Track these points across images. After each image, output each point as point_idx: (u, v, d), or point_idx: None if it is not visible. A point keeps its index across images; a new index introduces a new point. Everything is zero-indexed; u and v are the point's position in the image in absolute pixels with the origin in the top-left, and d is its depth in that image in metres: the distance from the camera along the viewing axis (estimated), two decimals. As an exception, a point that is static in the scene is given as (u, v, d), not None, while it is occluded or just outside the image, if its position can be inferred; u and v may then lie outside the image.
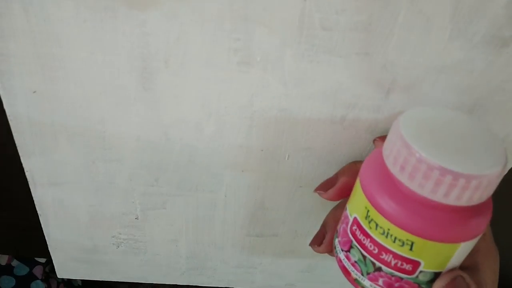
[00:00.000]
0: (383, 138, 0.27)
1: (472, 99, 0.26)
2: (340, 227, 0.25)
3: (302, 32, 0.23)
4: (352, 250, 0.24)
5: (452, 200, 0.20)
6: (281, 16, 0.23)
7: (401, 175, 0.20)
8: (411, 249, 0.21)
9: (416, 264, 0.22)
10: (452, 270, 0.23)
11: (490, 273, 0.25)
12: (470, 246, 0.22)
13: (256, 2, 0.22)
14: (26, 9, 0.23)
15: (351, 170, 0.28)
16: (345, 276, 0.26)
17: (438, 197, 0.20)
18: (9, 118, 0.28)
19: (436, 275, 0.22)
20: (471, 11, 0.22)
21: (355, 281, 0.25)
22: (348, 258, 0.25)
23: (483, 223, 0.21)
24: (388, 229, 0.22)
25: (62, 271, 0.41)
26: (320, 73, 0.25)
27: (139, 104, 0.27)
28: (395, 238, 0.21)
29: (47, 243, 0.38)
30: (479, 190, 0.19)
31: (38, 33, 0.24)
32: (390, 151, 0.21)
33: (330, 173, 0.30)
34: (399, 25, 0.23)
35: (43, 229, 0.36)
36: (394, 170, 0.21)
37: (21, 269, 0.76)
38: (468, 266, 0.24)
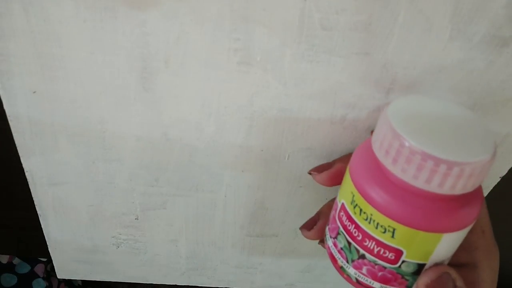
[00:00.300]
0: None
1: (472, 99, 0.26)
2: (331, 215, 0.25)
3: (302, 32, 0.23)
4: (338, 237, 0.24)
5: (433, 187, 0.20)
6: (281, 16, 0.23)
7: (386, 160, 0.21)
8: (393, 236, 0.21)
9: (398, 252, 0.22)
10: (438, 265, 0.22)
11: (489, 272, 0.24)
12: (455, 238, 0.21)
13: (256, 2, 0.22)
14: (26, 9, 0.23)
15: (349, 158, 0.28)
16: (333, 264, 0.26)
17: (420, 183, 0.20)
18: (9, 118, 0.28)
19: (420, 267, 0.22)
20: (471, 11, 0.22)
21: (340, 269, 0.25)
22: (335, 245, 0.25)
23: (469, 215, 0.21)
24: (371, 214, 0.22)
25: (62, 272, 0.41)
26: (320, 73, 0.25)
27: (139, 104, 0.27)
28: (377, 224, 0.22)
29: (47, 243, 0.37)
30: (462, 178, 0.19)
31: (38, 33, 0.24)
32: (377, 136, 0.21)
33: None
34: (399, 25, 0.23)
35: (43, 229, 0.36)
36: (380, 154, 0.21)
37: (23, 267, 0.77)
38: (466, 263, 0.24)
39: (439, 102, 0.22)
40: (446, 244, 0.21)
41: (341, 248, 0.24)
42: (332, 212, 0.25)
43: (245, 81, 0.26)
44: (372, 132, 0.27)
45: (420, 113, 0.21)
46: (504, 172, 0.30)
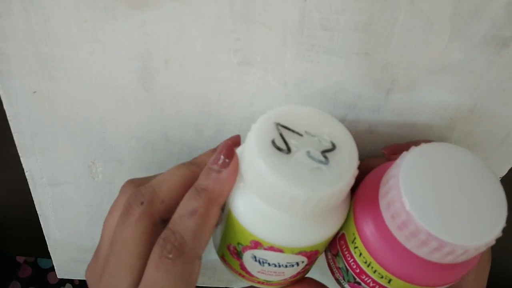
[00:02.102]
0: (390, 149, 0.26)
1: (472, 99, 0.26)
2: None
3: (302, 32, 0.23)
4: (337, 258, 0.24)
5: (434, 259, 0.20)
6: (281, 16, 0.23)
7: (391, 223, 0.20)
8: (389, 282, 0.22)
9: None
10: None
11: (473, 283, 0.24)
12: (447, 286, 0.22)
13: (256, 2, 0.22)
14: (26, 9, 0.23)
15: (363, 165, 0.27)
16: (330, 272, 0.26)
17: (422, 254, 0.20)
18: (9, 118, 0.28)
19: None
20: (472, 11, 0.22)
21: (337, 281, 0.25)
22: (334, 261, 0.25)
23: (463, 271, 0.21)
24: (370, 262, 0.22)
25: (62, 271, 0.41)
26: (320, 73, 0.25)
27: (139, 104, 0.27)
28: (376, 270, 0.22)
29: (47, 243, 0.37)
30: (465, 255, 0.19)
31: (38, 33, 0.24)
32: (385, 194, 0.20)
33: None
34: (399, 25, 0.23)
35: (43, 229, 0.36)
36: (386, 215, 0.20)
37: None
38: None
39: (456, 156, 0.21)
40: None
41: (339, 268, 0.24)
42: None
43: (245, 81, 0.26)
44: (384, 152, 0.26)
45: (434, 174, 0.20)
46: (504, 172, 0.30)
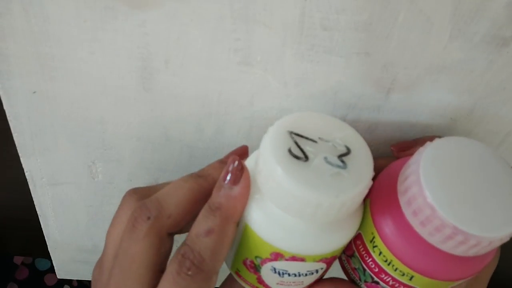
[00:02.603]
0: (399, 146, 0.26)
1: (472, 99, 0.26)
2: None
3: (302, 32, 0.23)
4: (353, 258, 0.24)
5: (458, 253, 0.19)
6: (281, 16, 0.23)
7: (413, 219, 0.20)
8: (410, 279, 0.22)
9: None
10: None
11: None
12: (468, 279, 0.22)
13: (256, 2, 0.22)
14: (26, 9, 0.23)
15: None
16: (344, 273, 0.26)
17: (446, 248, 0.20)
18: (8, 118, 0.28)
19: None
20: (472, 11, 0.22)
21: (352, 281, 0.25)
22: (349, 262, 0.25)
23: (484, 263, 0.21)
24: (391, 260, 0.21)
25: (62, 272, 0.41)
26: (320, 73, 0.25)
27: (139, 104, 0.27)
28: (397, 268, 0.21)
29: (47, 243, 0.37)
30: (489, 247, 0.19)
31: (38, 33, 0.24)
32: (405, 191, 0.20)
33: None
34: (399, 25, 0.23)
35: (43, 229, 0.36)
36: (407, 211, 0.20)
37: None
38: None
39: (472, 150, 0.21)
40: (460, 283, 0.22)
41: (355, 268, 0.24)
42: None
43: (246, 81, 0.26)
44: (393, 149, 0.26)
45: (452, 169, 0.20)
46: None
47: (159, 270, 0.22)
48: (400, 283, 0.22)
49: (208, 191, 0.23)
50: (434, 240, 0.20)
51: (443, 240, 0.19)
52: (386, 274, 0.22)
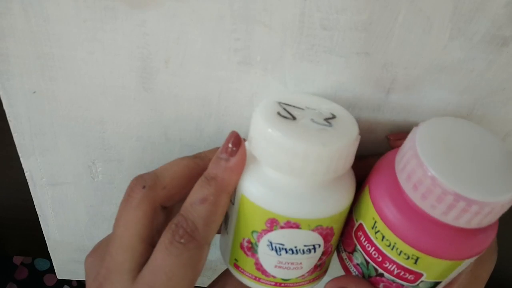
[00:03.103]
0: (396, 136, 0.27)
1: (472, 99, 0.26)
2: (344, 229, 0.25)
3: (302, 32, 0.23)
4: (355, 253, 0.24)
5: (461, 223, 0.20)
6: (281, 16, 0.23)
7: (414, 194, 0.20)
8: (415, 262, 0.22)
9: (418, 275, 0.22)
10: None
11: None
12: (473, 259, 0.22)
13: (256, 2, 0.22)
14: (26, 9, 0.23)
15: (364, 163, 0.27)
16: (345, 272, 0.26)
17: (449, 219, 0.20)
18: (8, 118, 0.28)
19: (436, 284, 0.23)
20: (471, 11, 0.22)
21: None
22: (350, 259, 0.25)
23: (488, 240, 0.21)
24: (395, 243, 0.22)
25: (62, 272, 0.41)
26: (320, 73, 0.25)
27: (139, 104, 0.27)
28: (401, 251, 0.21)
29: (47, 243, 0.37)
30: (491, 215, 0.19)
31: (37, 33, 0.24)
32: (404, 167, 0.21)
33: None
34: (399, 25, 0.23)
35: (43, 229, 0.36)
36: (407, 187, 0.20)
37: None
38: None
39: (465, 127, 0.22)
40: (465, 265, 0.22)
41: (357, 264, 0.24)
42: (346, 227, 0.25)
43: (245, 81, 0.26)
44: (389, 138, 0.27)
45: (448, 142, 0.21)
46: None
47: (151, 244, 0.22)
48: (406, 269, 0.22)
49: (204, 170, 0.23)
50: (437, 212, 0.20)
51: (445, 210, 0.19)
52: (391, 261, 0.22)
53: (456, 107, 0.26)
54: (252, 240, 0.23)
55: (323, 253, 0.24)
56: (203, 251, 0.22)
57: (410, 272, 0.22)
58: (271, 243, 0.23)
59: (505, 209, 0.19)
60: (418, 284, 0.22)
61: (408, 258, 0.21)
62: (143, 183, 0.23)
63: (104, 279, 0.22)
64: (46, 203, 0.34)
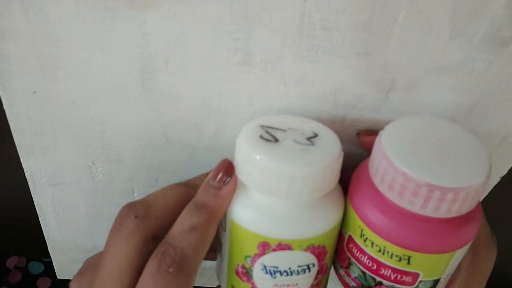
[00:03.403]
0: (366, 132, 0.27)
1: (472, 99, 0.26)
2: (336, 245, 0.25)
3: (302, 32, 0.23)
4: (351, 267, 0.24)
5: (442, 213, 0.20)
6: (281, 16, 0.23)
7: (390, 194, 0.20)
8: (408, 263, 0.22)
9: (415, 275, 0.22)
10: None
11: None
12: (464, 250, 0.22)
13: (256, 2, 0.22)
14: (26, 9, 0.23)
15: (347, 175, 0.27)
16: None
17: (428, 211, 0.20)
18: (8, 118, 0.28)
19: (436, 282, 0.23)
20: (472, 11, 0.22)
21: None
22: (348, 274, 0.25)
23: (474, 228, 0.22)
24: (384, 247, 0.22)
25: (62, 272, 0.41)
26: (320, 73, 0.25)
27: (139, 104, 0.27)
28: (392, 254, 0.22)
29: (47, 243, 0.37)
30: (468, 200, 0.19)
31: (38, 33, 0.24)
32: (376, 170, 0.21)
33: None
34: (399, 25, 0.23)
35: (43, 229, 0.36)
36: (383, 188, 0.21)
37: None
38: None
39: (429, 121, 0.22)
40: (458, 256, 0.22)
41: (355, 277, 0.24)
42: (339, 243, 0.25)
43: (245, 81, 0.26)
44: (360, 135, 0.27)
45: (414, 138, 0.21)
46: (504, 172, 0.30)
47: (139, 273, 0.22)
48: (401, 272, 0.22)
49: None
50: (416, 207, 0.20)
51: (423, 203, 0.19)
52: (385, 266, 0.22)
53: (456, 107, 0.26)
54: (246, 265, 0.23)
55: (318, 272, 0.24)
56: (191, 279, 0.21)
57: (406, 274, 0.22)
58: (265, 266, 0.23)
59: (480, 193, 0.20)
60: (417, 285, 0.22)
61: (400, 259, 0.21)
62: (135, 212, 0.22)
63: None
64: (46, 203, 0.34)
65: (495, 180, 0.31)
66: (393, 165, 0.20)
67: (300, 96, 0.26)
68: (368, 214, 0.22)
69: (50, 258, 0.39)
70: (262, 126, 0.22)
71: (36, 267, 0.82)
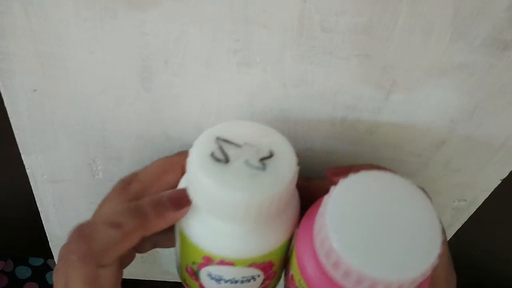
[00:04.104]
0: (335, 170, 0.25)
1: (473, 102, 0.26)
2: (285, 279, 0.25)
3: (301, 33, 0.23)
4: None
5: None
6: (281, 17, 0.23)
7: (326, 262, 0.19)
8: None
9: None
10: None
11: None
12: None
13: (256, 3, 0.22)
14: (26, 8, 0.23)
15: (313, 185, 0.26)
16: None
17: None
18: (9, 116, 0.28)
19: None
20: (473, 14, 0.22)
21: None
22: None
23: None
24: None
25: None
26: (320, 74, 0.25)
27: (139, 104, 0.27)
28: None
29: (48, 240, 0.38)
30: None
31: (38, 32, 0.24)
32: (318, 233, 0.20)
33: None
34: (399, 27, 0.23)
35: (44, 226, 0.36)
36: (321, 253, 0.20)
37: (36, 260, 0.79)
38: None
39: (387, 186, 0.21)
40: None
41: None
42: (287, 275, 0.25)
43: (245, 82, 0.26)
44: (327, 173, 0.25)
45: (363, 209, 0.20)
46: (505, 174, 0.30)
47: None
48: None
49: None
50: (348, 283, 0.19)
51: (354, 285, 0.18)
52: None
53: (457, 110, 0.26)
54: (194, 268, 0.24)
55: (266, 279, 0.24)
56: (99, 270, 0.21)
57: None
58: (210, 274, 0.23)
59: (417, 283, 0.18)
60: None
61: None
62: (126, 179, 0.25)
63: None
64: (47, 200, 0.34)
65: (496, 183, 0.31)
66: (331, 239, 0.19)
67: (300, 97, 0.26)
68: (309, 272, 0.21)
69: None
70: (218, 139, 0.22)
71: (23, 272, 0.82)
